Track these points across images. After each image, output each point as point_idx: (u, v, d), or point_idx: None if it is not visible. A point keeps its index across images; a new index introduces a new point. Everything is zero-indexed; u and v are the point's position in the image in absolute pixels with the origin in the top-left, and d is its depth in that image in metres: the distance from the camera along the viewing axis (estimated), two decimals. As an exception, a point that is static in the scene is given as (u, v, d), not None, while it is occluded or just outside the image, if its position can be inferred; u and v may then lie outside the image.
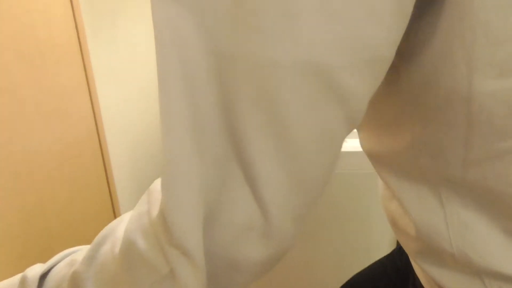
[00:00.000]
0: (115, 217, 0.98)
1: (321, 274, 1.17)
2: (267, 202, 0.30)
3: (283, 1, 0.25)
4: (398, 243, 0.61)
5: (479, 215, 0.35)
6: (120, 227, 0.35)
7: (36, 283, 0.39)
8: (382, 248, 1.12)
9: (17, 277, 0.41)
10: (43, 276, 0.40)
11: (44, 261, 0.41)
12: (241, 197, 0.30)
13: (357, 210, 1.08)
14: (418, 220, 0.38)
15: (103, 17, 0.99)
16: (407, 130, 0.35)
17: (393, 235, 0.60)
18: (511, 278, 0.35)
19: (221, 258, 0.32)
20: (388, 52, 0.28)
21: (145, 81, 1.34)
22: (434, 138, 0.33)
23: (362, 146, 0.43)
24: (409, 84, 0.33)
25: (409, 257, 0.48)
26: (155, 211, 0.32)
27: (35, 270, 0.40)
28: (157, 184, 0.34)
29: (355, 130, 0.37)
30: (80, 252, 0.39)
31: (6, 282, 0.41)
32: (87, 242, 0.39)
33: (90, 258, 0.36)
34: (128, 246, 0.32)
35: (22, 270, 0.41)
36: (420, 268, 0.43)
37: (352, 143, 1.05)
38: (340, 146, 0.31)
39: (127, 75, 1.17)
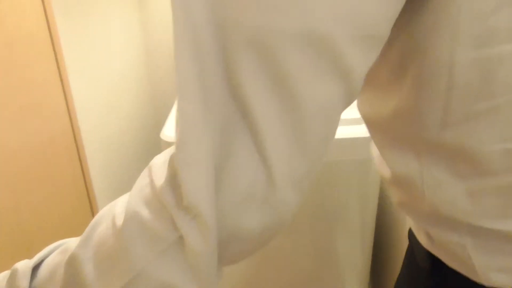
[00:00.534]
0: (92, 213, 0.95)
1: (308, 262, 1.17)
2: (271, 166, 0.31)
3: None
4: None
5: (449, 174, 0.39)
6: (117, 207, 0.35)
7: (28, 275, 0.38)
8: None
9: (5, 272, 0.39)
10: (35, 269, 0.38)
11: (19, 260, 0.39)
12: (246, 163, 0.31)
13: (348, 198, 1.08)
14: (399, 175, 0.43)
15: (75, 4, 0.95)
16: (395, 95, 0.39)
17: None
18: (478, 227, 0.40)
19: (224, 225, 0.32)
20: (386, 28, 0.31)
21: (119, 73, 1.30)
22: (417, 102, 0.37)
23: (359, 110, 0.47)
24: (399, 54, 0.36)
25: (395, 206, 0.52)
26: (159, 181, 0.32)
27: (25, 263, 0.38)
28: (157, 159, 0.35)
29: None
30: (71, 241, 0.38)
31: None
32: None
33: (87, 240, 0.35)
34: (131, 218, 0.32)
35: (-4, 269, 0.39)
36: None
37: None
38: (339, 118, 0.33)
39: (101, 66, 1.14)
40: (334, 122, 0.33)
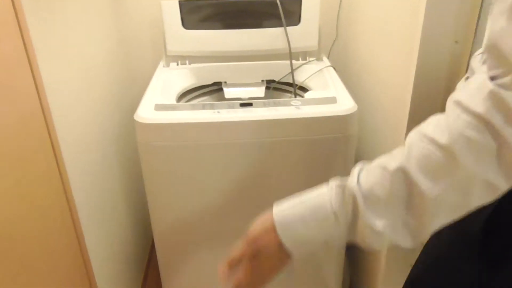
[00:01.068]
0: (66, 196, 0.93)
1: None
2: None
3: None
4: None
5: None
6: (428, 131, 0.49)
7: (355, 176, 0.54)
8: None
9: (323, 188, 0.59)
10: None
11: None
12: None
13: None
14: None
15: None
16: None
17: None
18: None
19: None
20: None
21: (92, 56, 1.26)
22: None
23: None
24: None
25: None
26: (479, 109, 0.45)
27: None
28: (427, 126, 0.50)
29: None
30: (387, 158, 0.52)
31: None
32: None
33: (408, 157, 0.49)
34: (458, 137, 0.45)
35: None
36: None
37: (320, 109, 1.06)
38: None
39: (72, 47, 1.10)
40: None
